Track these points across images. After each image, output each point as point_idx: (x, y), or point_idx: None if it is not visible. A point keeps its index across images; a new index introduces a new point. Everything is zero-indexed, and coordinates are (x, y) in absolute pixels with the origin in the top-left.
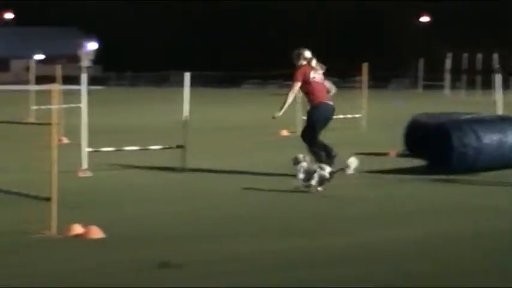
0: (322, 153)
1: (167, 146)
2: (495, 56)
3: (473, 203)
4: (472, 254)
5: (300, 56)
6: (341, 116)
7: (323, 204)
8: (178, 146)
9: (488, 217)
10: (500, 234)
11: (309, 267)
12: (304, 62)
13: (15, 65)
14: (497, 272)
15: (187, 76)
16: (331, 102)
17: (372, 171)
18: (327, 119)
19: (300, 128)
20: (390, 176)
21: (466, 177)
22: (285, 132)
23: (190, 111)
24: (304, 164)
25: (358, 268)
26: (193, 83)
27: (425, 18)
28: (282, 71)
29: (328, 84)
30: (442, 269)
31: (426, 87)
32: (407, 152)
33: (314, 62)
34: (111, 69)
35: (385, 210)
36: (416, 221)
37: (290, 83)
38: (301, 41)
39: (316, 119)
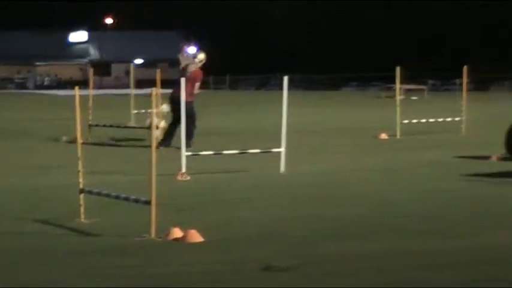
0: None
1: (266, 150)
2: None
3: None
4: None
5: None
6: (440, 119)
7: (433, 203)
8: (276, 150)
9: None
10: None
11: (433, 269)
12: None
13: (116, 69)
14: None
15: (285, 79)
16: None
17: (475, 174)
18: None
19: (399, 131)
20: (495, 180)
21: None
22: (384, 136)
23: (291, 114)
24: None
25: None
26: (295, 86)
27: None
28: (384, 74)
29: None
30: None
31: None
32: (509, 156)
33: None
34: (211, 72)
35: (494, 212)
36: None
37: (391, 86)
38: (392, 42)
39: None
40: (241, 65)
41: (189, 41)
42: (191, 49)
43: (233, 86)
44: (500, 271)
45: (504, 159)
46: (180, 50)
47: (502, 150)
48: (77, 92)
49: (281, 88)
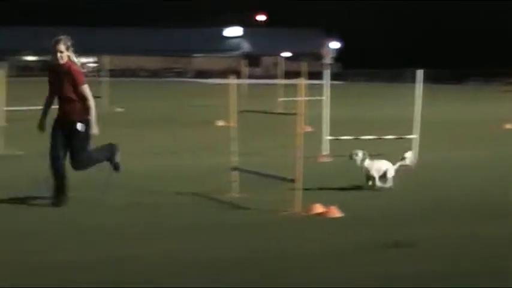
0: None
1: (400, 136)
2: None
3: None
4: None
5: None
6: None
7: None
8: (409, 137)
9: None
10: None
11: None
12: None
13: (266, 61)
14: None
15: (419, 73)
16: None
17: None
18: None
19: None
20: None
21: None
22: (508, 126)
23: (421, 107)
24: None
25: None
26: (423, 80)
27: None
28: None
29: None
30: None
31: None
32: None
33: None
34: (350, 66)
35: None
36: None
37: None
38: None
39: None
40: (378, 59)
41: (331, 37)
42: (333, 44)
43: (370, 79)
44: None
45: None
46: (322, 45)
47: None
48: (232, 81)
49: (413, 82)
